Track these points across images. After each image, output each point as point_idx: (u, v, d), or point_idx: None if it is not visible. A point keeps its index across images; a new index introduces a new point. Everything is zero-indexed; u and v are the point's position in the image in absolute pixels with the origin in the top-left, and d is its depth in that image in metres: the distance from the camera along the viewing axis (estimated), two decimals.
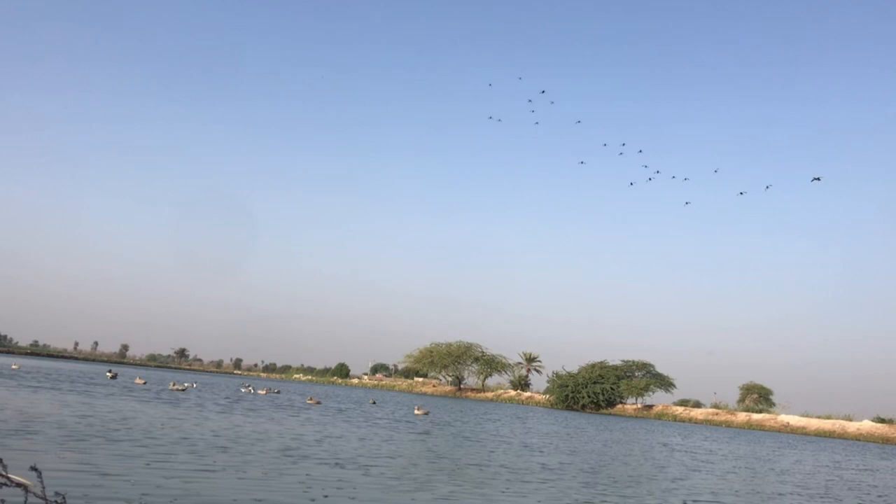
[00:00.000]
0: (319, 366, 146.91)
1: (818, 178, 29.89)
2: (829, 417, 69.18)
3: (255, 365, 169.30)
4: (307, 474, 10.11)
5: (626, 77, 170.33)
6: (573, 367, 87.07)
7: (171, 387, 36.34)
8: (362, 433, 18.92)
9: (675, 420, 74.24)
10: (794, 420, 69.73)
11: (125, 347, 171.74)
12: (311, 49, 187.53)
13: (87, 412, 16.89)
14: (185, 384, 41.81)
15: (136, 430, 13.66)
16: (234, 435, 14.88)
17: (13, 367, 44.67)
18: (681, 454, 22.62)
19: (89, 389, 26.99)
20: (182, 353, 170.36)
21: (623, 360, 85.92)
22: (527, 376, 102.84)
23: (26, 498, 2.81)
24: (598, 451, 20.69)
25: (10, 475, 2.62)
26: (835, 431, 65.30)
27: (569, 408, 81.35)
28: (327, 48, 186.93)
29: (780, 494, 13.73)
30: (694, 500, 11.45)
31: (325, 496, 8.66)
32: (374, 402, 43.74)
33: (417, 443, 17.65)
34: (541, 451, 18.37)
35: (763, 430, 67.93)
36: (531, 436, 24.88)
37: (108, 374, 49.89)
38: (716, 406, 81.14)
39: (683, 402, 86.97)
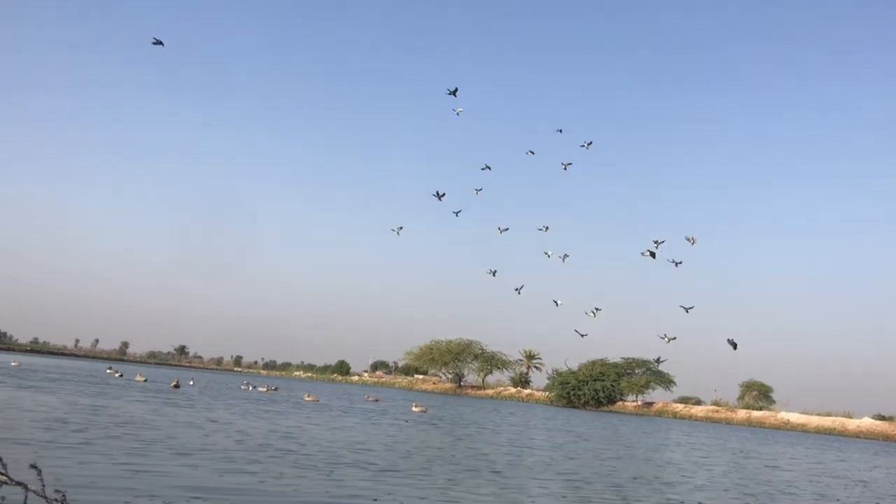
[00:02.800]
0: (319, 363, 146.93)
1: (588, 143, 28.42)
2: (829, 415, 69.19)
3: (255, 362, 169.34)
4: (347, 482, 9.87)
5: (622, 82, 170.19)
6: (573, 365, 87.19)
7: (172, 385, 36.61)
8: (397, 435, 18.63)
9: (676, 417, 74.23)
10: (794, 417, 69.74)
11: (125, 345, 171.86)
12: (313, 48, 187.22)
13: (118, 414, 16.81)
14: (191, 382, 42.69)
15: (174, 438, 12.93)
16: (277, 439, 14.52)
17: (13, 364, 44.63)
18: (753, 461, 21.74)
19: (106, 391, 26.49)
20: (182, 351, 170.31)
21: (623, 358, 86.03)
22: (527, 374, 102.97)
23: (26, 496, 2.75)
24: (665, 458, 19.97)
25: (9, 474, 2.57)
26: (835, 429, 65.31)
27: (569, 405, 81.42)
28: (329, 47, 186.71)
29: None
30: None
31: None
32: (377, 400, 43.69)
33: (462, 448, 16.84)
34: (617, 460, 17.52)
35: (763, 427, 67.94)
36: (571, 439, 24.12)
37: (108, 370, 49.91)
38: (716, 403, 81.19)
39: (684, 400, 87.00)
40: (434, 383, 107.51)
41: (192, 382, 42.76)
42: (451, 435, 20.69)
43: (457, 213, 30.53)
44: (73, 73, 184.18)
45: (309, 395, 37.31)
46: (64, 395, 21.30)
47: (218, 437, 13.77)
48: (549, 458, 16.05)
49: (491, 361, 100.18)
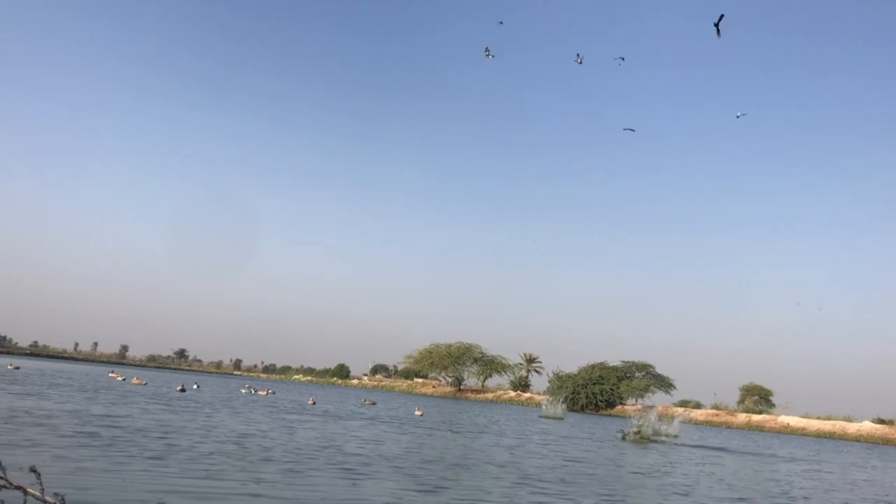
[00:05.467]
0: (319, 366, 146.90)
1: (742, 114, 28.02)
2: (829, 418, 69.23)
3: (255, 365, 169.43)
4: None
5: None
6: (573, 368, 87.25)
7: (178, 389, 36.64)
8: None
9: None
10: (794, 421, 69.75)
11: (125, 348, 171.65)
12: (313, 47, 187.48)
13: (143, 424, 16.33)
14: (195, 385, 43.09)
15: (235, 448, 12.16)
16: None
17: (9, 367, 44.40)
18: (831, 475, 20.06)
19: (118, 397, 25.47)
20: (181, 354, 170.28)
21: (623, 361, 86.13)
22: (527, 377, 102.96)
23: (25, 499, 2.79)
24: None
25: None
26: (835, 432, 65.32)
27: (568, 409, 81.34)
28: (330, 47, 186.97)
29: None
30: None
31: None
32: (374, 403, 43.67)
33: (524, 461, 15.34)
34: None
35: (763, 431, 67.89)
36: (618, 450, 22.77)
37: (111, 374, 49.95)
38: (716, 407, 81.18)
39: (683, 403, 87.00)
40: (434, 387, 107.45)
41: (195, 386, 42.69)
42: (500, 446, 19.54)
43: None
44: (73, 72, 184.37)
45: (311, 400, 37.68)
46: (76, 402, 20.94)
47: (278, 452, 13.12)
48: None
49: (491, 365, 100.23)
